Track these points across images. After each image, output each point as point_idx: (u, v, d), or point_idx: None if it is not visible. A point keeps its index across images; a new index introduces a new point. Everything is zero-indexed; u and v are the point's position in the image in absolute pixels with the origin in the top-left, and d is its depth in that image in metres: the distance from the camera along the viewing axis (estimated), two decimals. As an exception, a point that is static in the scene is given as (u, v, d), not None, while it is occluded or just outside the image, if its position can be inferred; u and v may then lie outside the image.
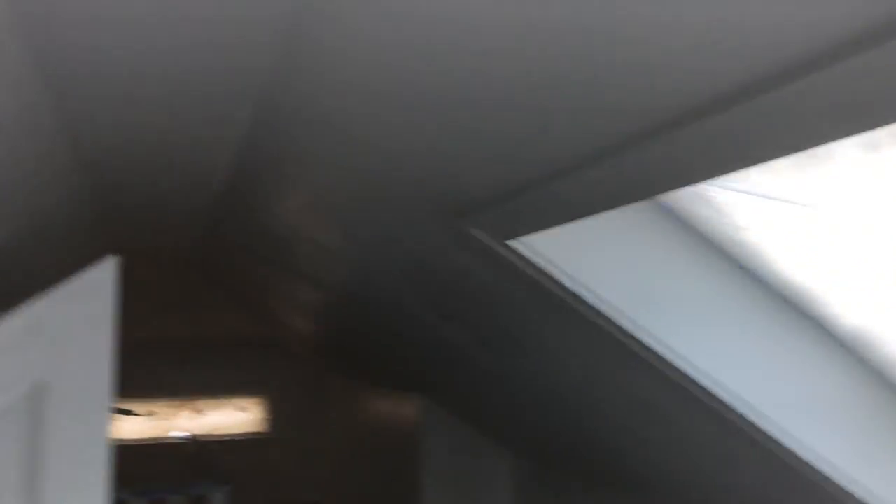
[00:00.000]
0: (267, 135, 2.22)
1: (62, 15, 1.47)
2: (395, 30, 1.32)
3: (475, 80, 1.30)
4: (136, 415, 5.29)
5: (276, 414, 6.16)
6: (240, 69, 1.78)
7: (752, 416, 1.82)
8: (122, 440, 4.81)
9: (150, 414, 5.77)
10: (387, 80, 1.51)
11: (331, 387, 6.03)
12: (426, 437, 4.20)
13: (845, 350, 1.89)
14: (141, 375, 4.96)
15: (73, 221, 3.27)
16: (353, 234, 2.69)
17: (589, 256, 1.81)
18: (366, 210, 2.34)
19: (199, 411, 6.03)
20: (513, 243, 1.75)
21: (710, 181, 1.47)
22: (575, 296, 1.82)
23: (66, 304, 1.54)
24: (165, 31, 1.55)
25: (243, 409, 6.14)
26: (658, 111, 1.09)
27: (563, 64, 1.10)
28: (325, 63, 1.61)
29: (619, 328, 1.83)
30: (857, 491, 1.83)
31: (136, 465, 4.45)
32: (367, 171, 2.02)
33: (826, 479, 1.84)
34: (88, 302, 1.57)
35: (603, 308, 1.81)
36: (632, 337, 1.83)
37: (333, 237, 2.90)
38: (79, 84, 1.88)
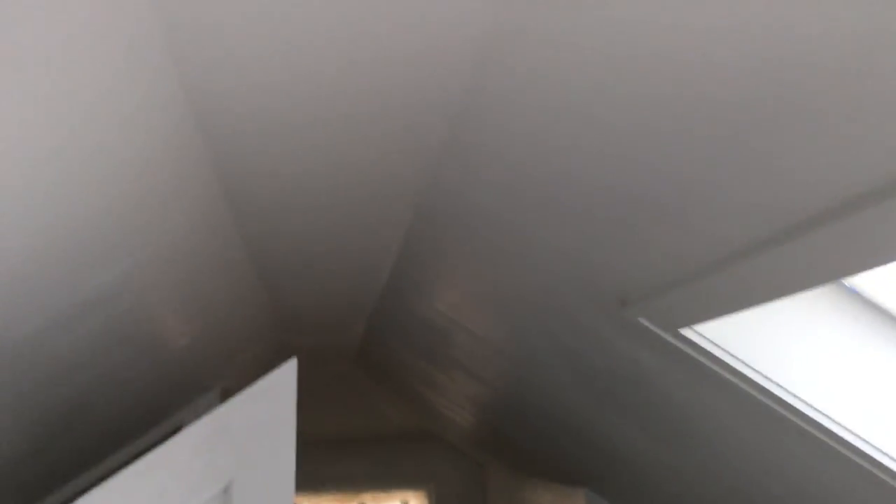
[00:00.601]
0: (428, 232, 2.29)
1: (241, 135, 1.60)
2: (552, 127, 1.35)
3: (638, 172, 1.30)
4: (304, 510, 5.41)
5: (440, 507, 6.12)
6: (400, 173, 1.86)
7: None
8: (293, 534, 4.88)
9: (317, 509, 5.88)
10: (546, 175, 1.54)
11: (493, 479, 5.94)
12: (592, 532, 4.04)
13: None
14: (307, 470, 5.08)
15: (247, 322, 3.46)
16: (515, 325, 2.70)
17: (767, 341, 1.73)
18: (528, 301, 2.35)
19: (363, 505, 6.10)
20: (684, 331, 1.70)
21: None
22: (752, 383, 1.73)
23: (251, 406, 1.63)
24: (331, 139, 1.65)
25: (407, 503, 6.14)
26: (840, 189, 1.05)
27: (734, 146, 1.08)
28: (483, 162, 1.66)
29: (803, 416, 1.72)
30: None
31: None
32: (529, 263, 2.04)
33: None
34: (272, 403, 1.65)
35: (784, 396, 1.71)
36: (818, 425, 1.71)
37: (495, 329, 2.91)
38: (254, 198, 2.03)
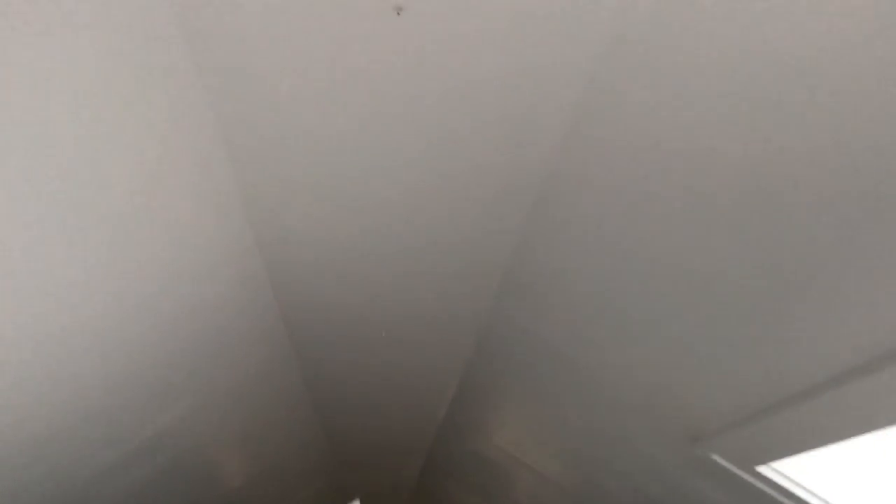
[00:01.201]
0: (488, 367, 2.27)
1: (307, 280, 1.63)
2: (615, 260, 1.35)
3: (712, 303, 1.28)
4: None
5: None
6: (461, 308, 1.87)
7: None
8: None
9: None
10: (609, 307, 1.52)
11: None
12: None
13: None
14: None
15: (303, 461, 3.41)
16: (579, 463, 2.61)
17: (852, 479, 1.64)
18: (593, 437, 2.28)
19: None
20: (762, 468, 1.62)
21: None
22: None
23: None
24: (393, 279, 1.67)
25: None
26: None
27: (817, 276, 1.07)
28: (544, 296, 1.66)
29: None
30: None
31: None
32: (593, 398, 1.99)
33: None
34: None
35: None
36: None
37: (558, 468, 2.82)
38: (316, 341, 2.04)
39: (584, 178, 1.21)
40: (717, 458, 1.68)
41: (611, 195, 1.20)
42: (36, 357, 1.28)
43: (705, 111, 0.95)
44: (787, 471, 1.64)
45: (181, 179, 1.14)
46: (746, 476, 1.67)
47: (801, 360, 1.28)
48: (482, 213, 1.40)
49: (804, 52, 0.80)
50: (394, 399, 2.68)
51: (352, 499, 1.62)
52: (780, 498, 1.65)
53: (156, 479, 2.18)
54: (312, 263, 1.58)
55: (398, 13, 0.91)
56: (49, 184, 0.96)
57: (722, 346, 1.40)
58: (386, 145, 1.18)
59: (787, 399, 1.38)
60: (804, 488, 1.61)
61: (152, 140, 1.04)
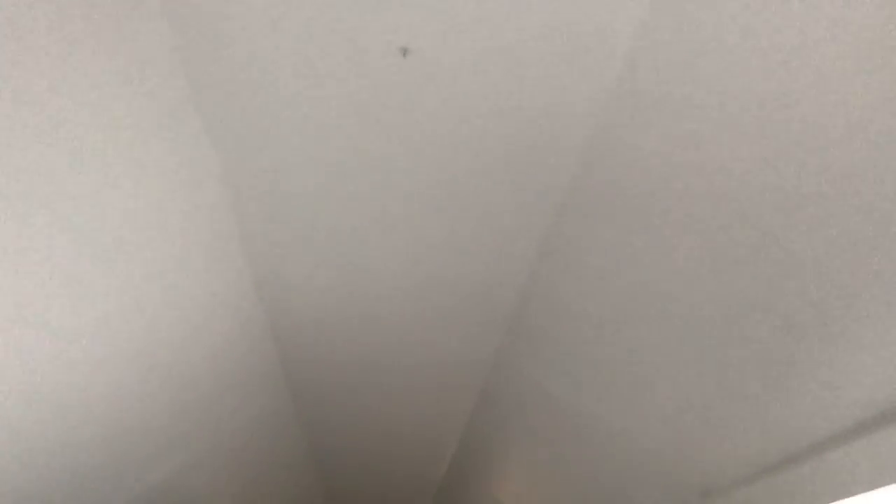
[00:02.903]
0: (489, 423, 2.23)
1: (308, 332, 1.60)
2: (620, 302, 1.32)
3: (717, 355, 1.25)
4: None
5: None
6: (464, 357, 1.84)
7: None
8: None
9: None
10: (613, 358, 1.49)
11: None
12: None
13: None
14: None
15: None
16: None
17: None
18: (598, 492, 2.22)
19: None
20: (773, 526, 1.57)
21: None
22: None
23: None
24: (395, 330, 1.64)
25: None
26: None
27: (825, 324, 1.04)
28: (545, 347, 1.63)
29: None
30: None
31: None
32: (598, 451, 1.94)
33: None
34: None
35: None
36: None
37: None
38: (317, 393, 2.01)
39: (589, 228, 1.19)
40: (726, 514, 1.63)
41: (617, 244, 1.18)
42: (28, 411, 1.25)
43: (713, 151, 0.93)
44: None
45: (182, 225, 1.12)
46: (756, 533, 1.62)
47: (811, 414, 1.25)
48: (487, 261, 1.39)
49: (814, 90, 0.79)
50: (395, 452, 2.63)
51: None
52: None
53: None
54: (313, 313, 1.56)
55: (404, 55, 0.90)
56: (50, 234, 0.94)
57: (732, 399, 1.37)
58: (390, 193, 1.16)
59: (799, 453, 1.35)
60: (819, 547, 1.56)
61: (153, 185, 1.03)
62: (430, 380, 1.95)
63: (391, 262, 1.37)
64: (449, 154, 1.08)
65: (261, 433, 2.17)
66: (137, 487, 1.76)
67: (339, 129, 1.04)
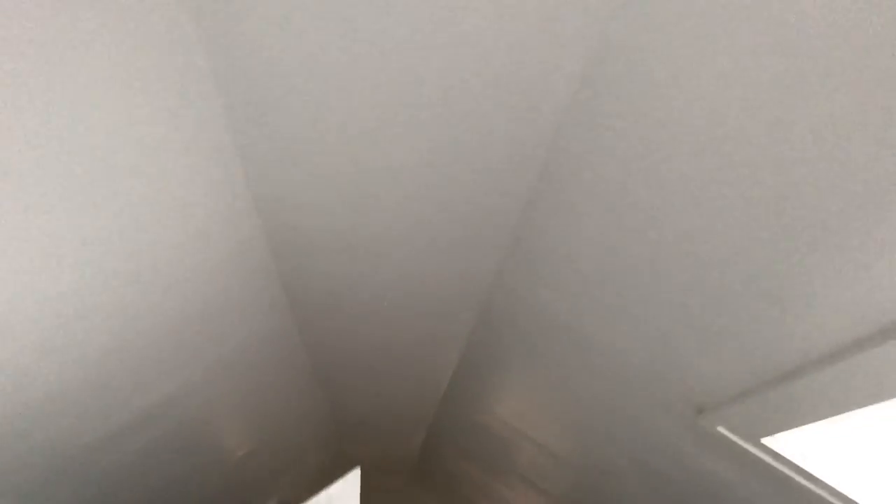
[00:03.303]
0: (490, 337, 2.25)
1: (307, 246, 1.60)
2: (620, 221, 1.32)
3: (717, 266, 1.25)
4: None
5: None
6: (465, 277, 1.84)
7: None
8: None
9: None
10: (613, 273, 1.49)
11: None
12: None
13: None
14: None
15: (306, 431, 3.41)
16: (581, 434, 2.60)
17: (858, 452, 1.62)
18: (596, 408, 2.27)
19: None
20: (767, 440, 1.60)
21: None
22: (843, 497, 1.61)
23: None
24: (396, 249, 1.64)
25: None
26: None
27: (825, 238, 1.04)
28: (546, 264, 1.63)
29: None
30: None
31: None
32: (596, 367, 1.97)
33: None
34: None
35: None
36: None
37: (560, 438, 2.81)
38: (318, 309, 2.02)
39: (593, 147, 1.17)
40: (722, 429, 1.66)
41: (619, 163, 1.17)
42: (34, 324, 1.26)
43: (716, 80, 0.91)
44: (793, 442, 1.63)
45: (177, 135, 1.10)
46: (752, 448, 1.65)
47: (807, 330, 1.25)
48: (487, 181, 1.37)
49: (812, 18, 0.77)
50: (396, 370, 2.67)
51: (352, 468, 1.61)
52: (786, 470, 1.63)
53: (155, 449, 2.18)
54: (312, 228, 1.56)
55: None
56: (48, 150, 0.93)
57: (728, 315, 1.37)
58: (392, 107, 1.15)
59: (794, 370, 1.36)
60: (810, 460, 1.59)
61: (148, 97, 1.01)
62: (431, 300, 1.96)
63: (392, 178, 1.36)
64: (451, 71, 1.06)
65: (264, 353, 2.20)
66: (136, 406, 1.80)
67: (342, 36, 1.02)
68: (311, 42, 1.03)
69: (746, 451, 1.68)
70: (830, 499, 1.64)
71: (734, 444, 1.67)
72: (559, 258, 1.58)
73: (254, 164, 1.28)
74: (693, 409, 1.72)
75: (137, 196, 1.16)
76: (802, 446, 1.63)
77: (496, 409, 2.98)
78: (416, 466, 5.14)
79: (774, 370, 1.42)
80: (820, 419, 1.50)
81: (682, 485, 2.31)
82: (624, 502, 2.85)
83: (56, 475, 1.81)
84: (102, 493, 2.16)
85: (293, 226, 1.49)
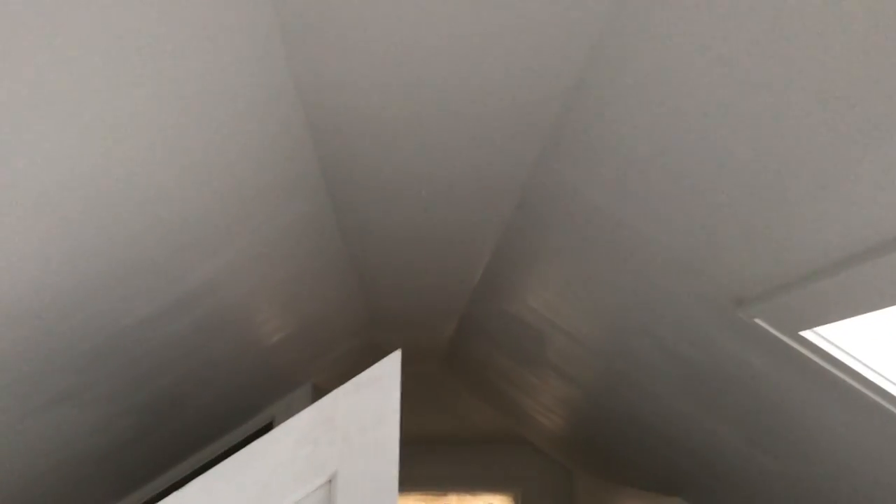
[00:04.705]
0: (528, 228, 2.25)
1: (348, 133, 1.59)
2: (664, 117, 1.29)
3: (760, 158, 1.22)
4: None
5: (526, 511, 6.06)
6: (504, 166, 1.82)
7: None
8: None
9: (403, 508, 5.90)
10: (656, 164, 1.47)
11: (581, 485, 5.85)
12: (687, 544, 3.90)
13: None
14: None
15: (341, 318, 3.48)
16: (615, 325, 2.62)
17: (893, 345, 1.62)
18: (631, 299, 2.27)
19: (449, 506, 6.09)
20: (805, 333, 1.60)
21: None
22: (877, 388, 1.62)
23: (356, 397, 1.62)
24: (436, 137, 1.62)
25: (490, 504, 6.11)
26: None
27: (871, 131, 1.00)
28: (589, 154, 1.61)
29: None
30: None
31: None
32: (635, 258, 1.96)
33: None
34: (378, 393, 1.64)
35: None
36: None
37: (593, 329, 2.84)
38: (355, 195, 2.02)
39: (650, 34, 1.13)
40: (760, 321, 1.66)
41: (676, 52, 1.13)
42: (84, 203, 1.27)
43: None
44: (831, 336, 1.62)
45: (220, 21, 1.08)
46: (789, 340, 1.65)
47: (850, 223, 1.23)
48: (531, 65, 1.34)
49: None
50: (431, 257, 2.69)
51: (387, 353, 1.65)
52: (823, 363, 1.64)
53: (194, 331, 2.23)
54: (353, 116, 1.54)
55: None
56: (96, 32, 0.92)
57: (770, 209, 1.35)
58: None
59: (835, 264, 1.34)
60: (848, 353, 1.59)
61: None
62: (470, 187, 1.95)
63: (433, 62, 1.32)
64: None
65: (301, 239, 2.22)
66: (185, 283, 1.83)
67: None
68: None
69: (783, 343, 1.68)
70: (865, 391, 1.64)
71: (771, 335, 1.67)
72: (603, 144, 1.55)
73: (295, 44, 1.25)
74: (732, 301, 1.71)
75: (182, 76, 1.14)
76: (841, 339, 1.62)
77: (529, 299, 3.01)
78: (447, 356, 5.26)
79: (816, 263, 1.40)
80: (859, 314, 1.49)
81: (715, 374, 2.33)
82: (654, 392, 2.89)
83: (108, 349, 1.87)
84: (141, 375, 2.24)
85: (333, 107, 1.47)
